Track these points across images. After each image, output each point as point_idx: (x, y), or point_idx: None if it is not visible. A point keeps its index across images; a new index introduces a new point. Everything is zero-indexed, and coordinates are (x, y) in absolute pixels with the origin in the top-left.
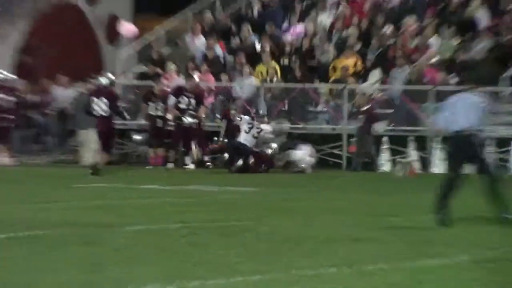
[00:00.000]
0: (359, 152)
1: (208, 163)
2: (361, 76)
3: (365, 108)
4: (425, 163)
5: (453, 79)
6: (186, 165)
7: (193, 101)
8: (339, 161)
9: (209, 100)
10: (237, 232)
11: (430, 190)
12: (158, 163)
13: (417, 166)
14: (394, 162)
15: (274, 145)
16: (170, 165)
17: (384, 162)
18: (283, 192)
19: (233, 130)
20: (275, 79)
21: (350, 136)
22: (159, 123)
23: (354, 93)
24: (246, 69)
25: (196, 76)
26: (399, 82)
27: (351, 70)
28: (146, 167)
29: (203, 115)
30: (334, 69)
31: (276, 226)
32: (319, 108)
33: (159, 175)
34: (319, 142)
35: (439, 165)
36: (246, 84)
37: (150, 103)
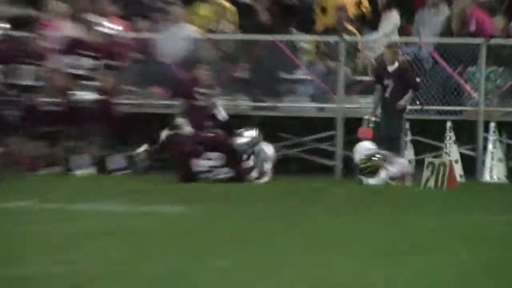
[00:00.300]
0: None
1: (116, 171)
2: (368, 22)
3: (394, 67)
4: (471, 164)
5: None
6: (70, 170)
7: (98, 63)
8: (330, 162)
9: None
10: (156, 281)
11: (482, 209)
12: (31, 165)
13: (458, 170)
14: (421, 164)
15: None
16: (51, 169)
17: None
18: (237, 213)
19: (198, 116)
20: (227, 27)
21: (349, 120)
22: (34, 98)
23: (356, 50)
24: (179, 10)
25: (106, 23)
26: (430, 33)
27: (350, 12)
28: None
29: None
30: (324, 10)
31: (223, 270)
32: (299, 75)
33: (33, 186)
34: (298, 132)
35: (495, 169)
36: (178, 36)
37: (22, 66)
